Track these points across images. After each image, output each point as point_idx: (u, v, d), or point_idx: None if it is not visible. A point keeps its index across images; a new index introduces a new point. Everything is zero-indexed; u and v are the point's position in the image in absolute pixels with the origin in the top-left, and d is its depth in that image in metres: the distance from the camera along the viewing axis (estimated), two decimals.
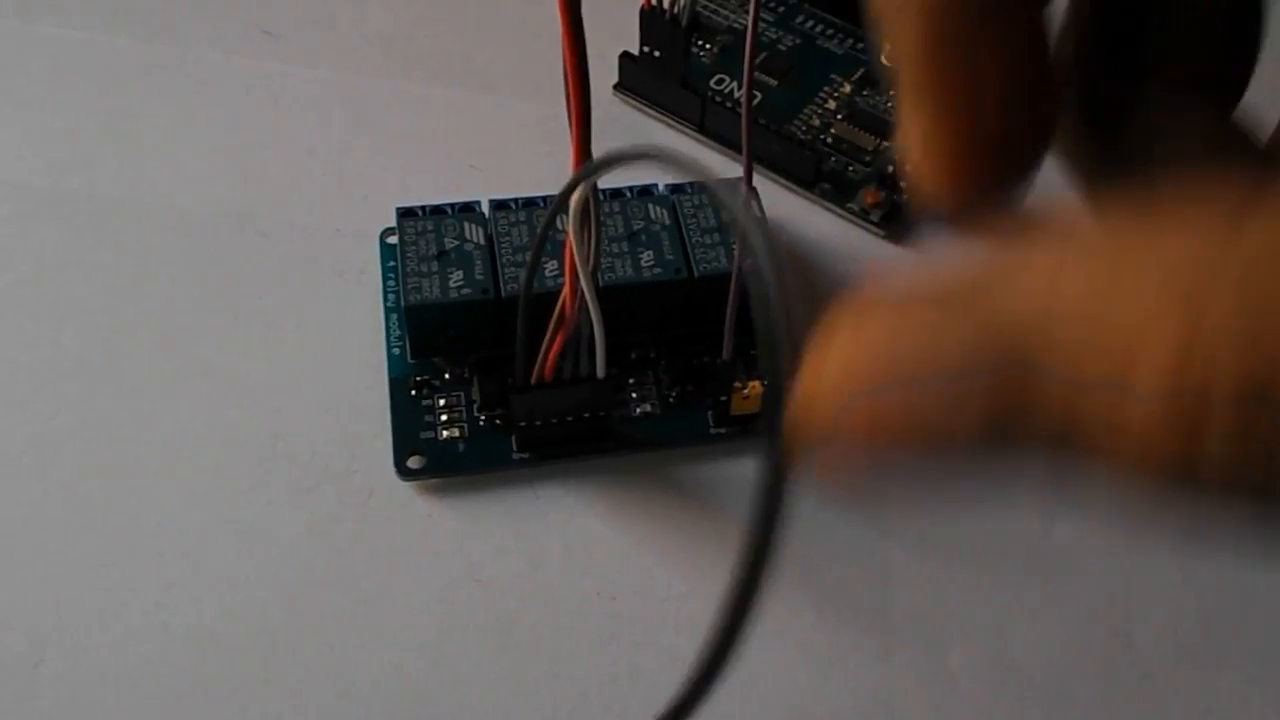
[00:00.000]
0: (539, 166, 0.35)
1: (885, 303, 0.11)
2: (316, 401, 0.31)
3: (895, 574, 0.29)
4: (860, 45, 0.39)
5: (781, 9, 0.41)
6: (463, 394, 0.31)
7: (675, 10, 0.36)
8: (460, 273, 0.30)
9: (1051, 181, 0.15)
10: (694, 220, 0.32)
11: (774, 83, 0.38)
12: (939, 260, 0.11)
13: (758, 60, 0.39)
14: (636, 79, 0.38)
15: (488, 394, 0.30)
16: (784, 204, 0.36)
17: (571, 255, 0.26)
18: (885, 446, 0.11)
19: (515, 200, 0.32)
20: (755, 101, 0.38)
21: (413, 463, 0.29)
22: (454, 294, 0.30)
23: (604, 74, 0.38)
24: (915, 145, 0.13)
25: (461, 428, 0.30)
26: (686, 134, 0.38)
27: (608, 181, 0.32)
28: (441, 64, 0.40)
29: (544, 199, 0.32)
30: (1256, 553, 0.10)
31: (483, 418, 0.30)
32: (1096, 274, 0.10)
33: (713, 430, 0.31)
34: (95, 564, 0.28)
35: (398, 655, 0.27)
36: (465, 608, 0.28)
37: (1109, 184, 0.15)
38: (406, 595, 0.28)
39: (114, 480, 0.30)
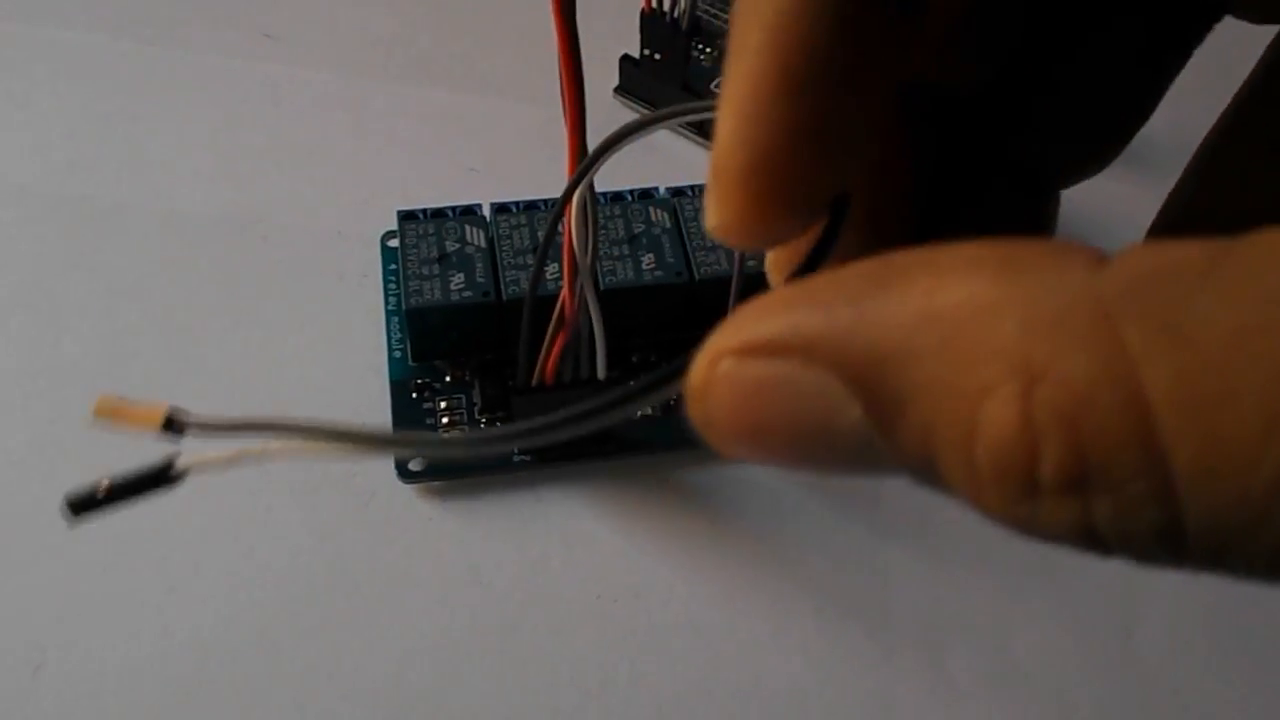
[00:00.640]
0: (540, 169, 0.35)
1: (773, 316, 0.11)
2: (318, 404, 0.31)
3: (895, 576, 0.29)
4: None
5: None
6: (464, 396, 0.31)
7: (676, 14, 0.36)
8: (461, 276, 0.30)
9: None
10: (695, 224, 0.32)
11: None
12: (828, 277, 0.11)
13: None
14: (637, 82, 0.38)
15: (489, 396, 0.30)
16: None
17: (570, 257, 0.26)
18: (764, 450, 0.11)
19: (516, 203, 0.32)
20: None
21: (414, 465, 0.30)
22: (455, 297, 0.30)
23: (605, 77, 0.38)
24: (729, 140, 0.13)
25: (462, 430, 0.30)
26: (687, 137, 0.38)
27: (609, 184, 0.32)
28: (442, 67, 0.40)
29: (545, 202, 0.32)
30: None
31: (484, 420, 0.30)
32: (960, 314, 0.10)
33: None
34: (97, 567, 0.28)
35: (399, 657, 0.27)
36: (466, 610, 0.28)
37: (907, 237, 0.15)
38: (408, 598, 0.28)
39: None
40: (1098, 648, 0.28)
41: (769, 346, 0.11)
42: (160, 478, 0.13)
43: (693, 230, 0.31)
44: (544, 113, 0.38)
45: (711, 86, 0.38)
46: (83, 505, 0.13)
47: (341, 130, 0.38)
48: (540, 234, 0.31)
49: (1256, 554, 0.09)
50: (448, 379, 0.31)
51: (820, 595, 0.29)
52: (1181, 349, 0.09)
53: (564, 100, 0.23)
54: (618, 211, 0.32)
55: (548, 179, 0.30)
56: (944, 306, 0.10)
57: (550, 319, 0.28)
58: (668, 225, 0.32)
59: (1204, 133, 0.14)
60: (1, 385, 0.31)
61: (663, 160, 0.36)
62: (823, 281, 0.11)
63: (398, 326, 0.32)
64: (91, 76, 0.39)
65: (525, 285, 0.29)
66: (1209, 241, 0.09)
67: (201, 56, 0.39)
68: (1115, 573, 0.29)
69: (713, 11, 0.40)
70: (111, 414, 0.13)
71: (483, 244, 0.31)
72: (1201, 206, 0.14)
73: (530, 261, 0.30)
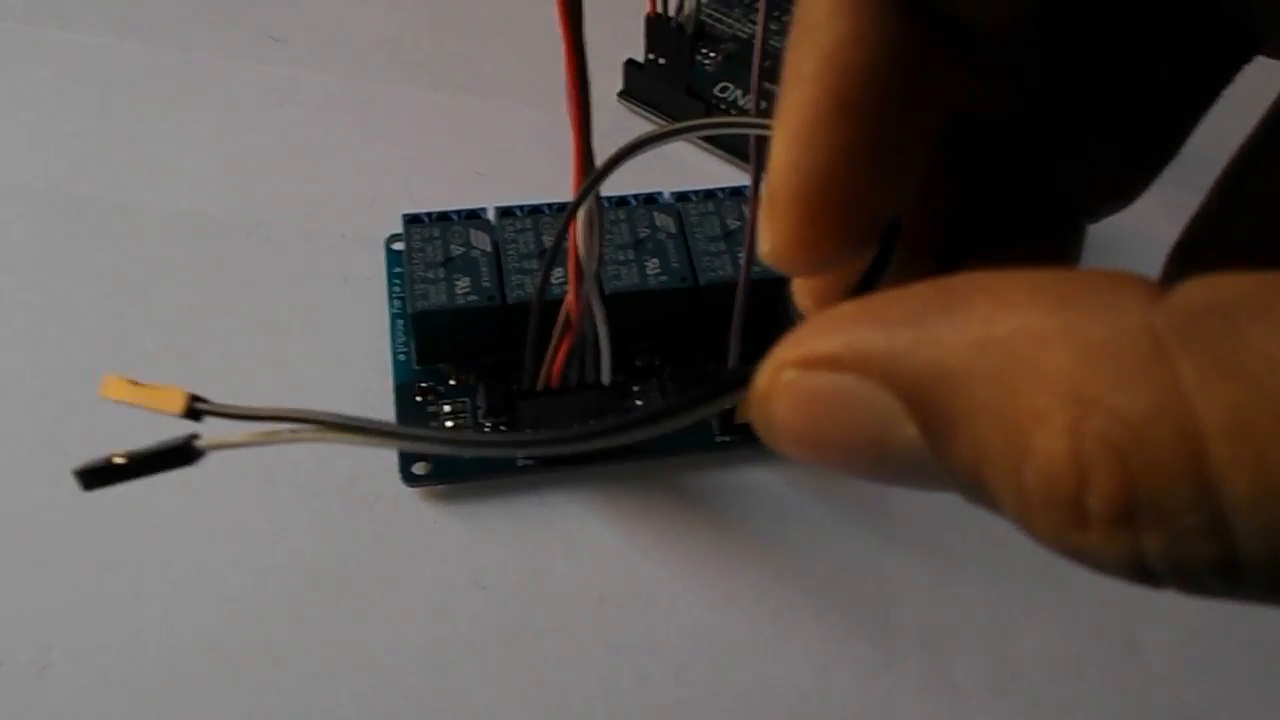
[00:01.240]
0: (545, 173, 0.35)
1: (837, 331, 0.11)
2: (321, 406, 0.31)
3: (898, 582, 0.29)
4: None
5: (788, 17, 0.41)
6: (468, 400, 0.31)
7: (680, 18, 0.36)
8: (467, 279, 0.30)
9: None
10: (699, 229, 0.32)
11: None
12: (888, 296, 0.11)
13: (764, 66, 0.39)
14: (641, 86, 0.38)
15: (494, 400, 0.30)
16: None
17: (575, 261, 0.26)
18: (821, 457, 0.12)
19: (521, 207, 0.32)
20: (763, 109, 0.38)
21: (418, 469, 0.30)
22: (460, 301, 0.30)
23: (609, 81, 0.38)
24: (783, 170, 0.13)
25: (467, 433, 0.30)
26: (691, 141, 0.38)
27: (614, 190, 0.32)
28: (448, 70, 0.40)
29: (550, 206, 0.32)
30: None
31: (488, 424, 0.30)
32: (1017, 342, 0.10)
33: (717, 438, 0.31)
34: (102, 568, 0.28)
35: (402, 660, 0.27)
36: (470, 613, 0.28)
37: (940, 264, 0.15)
38: (411, 601, 0.28)
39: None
40: (1101, 656, 0.28)
41: (830, 360, 0.11)
42: (181, 454, 0.14)
43: (697, 235, 0.31)
44: (550, 116, 0.38)
45: (716, 91, 0.38)
46: (94, 476, 0.14)
47: (346, 133, 0.38)
48: (545, 238, 0.31)
49: None
50: (452, 382, 0.31)
51: (824, 601, 0.29)
52: (1235, 382, 0.09)
53: (570, 105, 0.23)
54: (623, 216, 0.32)
55: (553, 182, 0.30)
56: (1001, 334, 0.10)
57: (554, 323, 0.28)
58: (672, 230, 0.32)
59: (1230, 151, 0.14)
60: (6, 386, 0.31)
61: (668, 165, 0.36)
62: (884, 301, 0.11)
63: (402, 330, 0.32)
64: (97, 78, 0.39)
65: (530, 289, 0.30)
66: (1264, 275, 0.09)
67: (206, 58, 0.39)
68: (1118, 582, 0.29)
69: (717, 15, 0.40)
70: (132, 396, 0.14)
71: (488, 248, 0.31)
72: (1228, 228, 0.14)
73: (535, 265, 0.30)
